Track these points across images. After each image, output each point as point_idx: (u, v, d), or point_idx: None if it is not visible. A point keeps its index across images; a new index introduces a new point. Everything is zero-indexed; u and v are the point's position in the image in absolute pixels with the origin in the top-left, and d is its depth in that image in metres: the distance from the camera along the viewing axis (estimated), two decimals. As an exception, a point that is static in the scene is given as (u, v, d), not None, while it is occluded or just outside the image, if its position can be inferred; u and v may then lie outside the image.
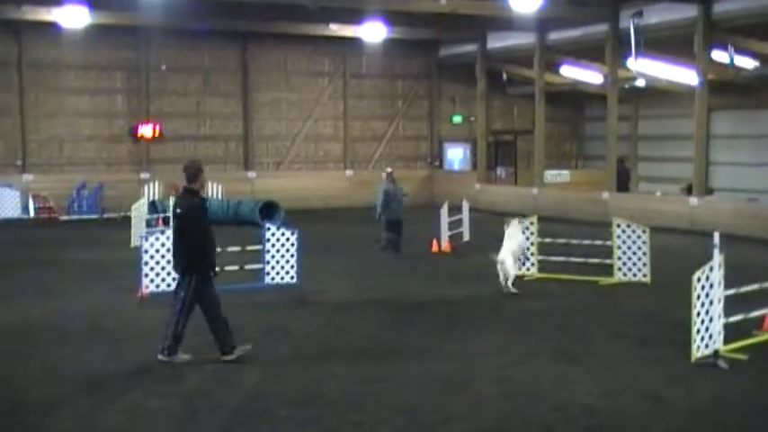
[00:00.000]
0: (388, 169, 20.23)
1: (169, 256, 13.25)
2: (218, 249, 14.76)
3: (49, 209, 26.40)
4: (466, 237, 20.47)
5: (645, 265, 14.59)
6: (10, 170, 27.14)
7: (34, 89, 27.47)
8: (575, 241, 16.10)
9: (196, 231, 9.39)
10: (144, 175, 28.00)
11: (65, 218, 25.86)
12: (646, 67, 25.21)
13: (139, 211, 20.14)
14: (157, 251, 13.28)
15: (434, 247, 18.83)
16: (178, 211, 9.52)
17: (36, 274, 15.74)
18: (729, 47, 23.06)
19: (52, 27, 25.77)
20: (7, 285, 14.46)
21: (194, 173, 9.55)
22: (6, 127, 27.27)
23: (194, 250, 9.32)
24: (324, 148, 31.75)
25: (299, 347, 10.16)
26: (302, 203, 28.47)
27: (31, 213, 26.24)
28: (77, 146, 28.15)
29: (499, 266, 13.76)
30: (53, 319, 11.71)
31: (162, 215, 22.43)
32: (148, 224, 20.96)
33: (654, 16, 23.64)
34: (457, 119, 33.64)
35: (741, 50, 23.50)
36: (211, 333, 9.43)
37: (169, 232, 13.53)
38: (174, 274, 13.15)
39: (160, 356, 9.31)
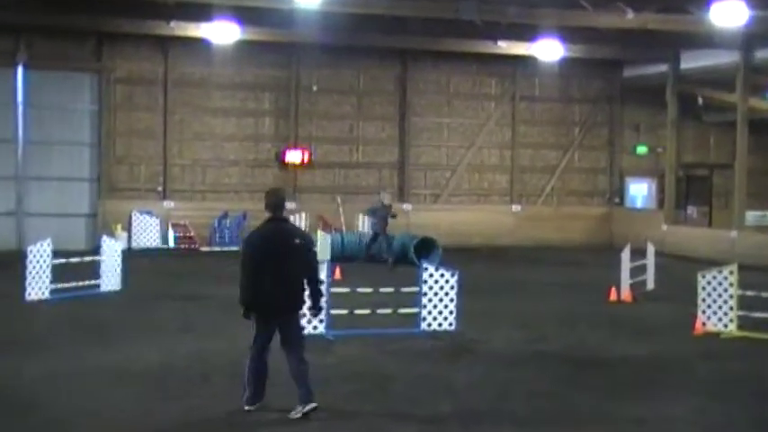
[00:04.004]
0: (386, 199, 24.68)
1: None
2: (369, 290, 15.16)
3: (189, 238, 27.58)
4: (650, 285, 19.97)
5: None
6: (151, 196, 28.55)
7: (179, 109, 28.88)
8: (783, 295, 15.45)
9: (316, 263, 9.86)
10: (290, 205, 28.78)
11: (205, 249, 26.97)
12: None
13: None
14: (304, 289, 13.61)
15: (613, 296, 18.51)
16: (297, 241, 9.55)
17: (177, 308, 16.48)
18: None
19: (200, 43, 27.12)
20: (149, 321, 15.20)
21: (282, 200, 9.77)
22: (149, 149, 28.67)
23: (318, 283, 9.82)
24: (488, 180, 31.80)
25: (459, 402, 10.19)
26: (462, 240, 28.59)
27: (171, 243, 27.50)
28: (221, 171, 29.31)
29: None
30: (195, 359, 12.21)
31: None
32: (294, 259, 21.49)
33: None
34: (641, 149, 32.99)
35: None
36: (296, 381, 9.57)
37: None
38: (321, 316, 13.60)
39: (303, 409, 9.44)
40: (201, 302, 17.15)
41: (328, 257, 20.15)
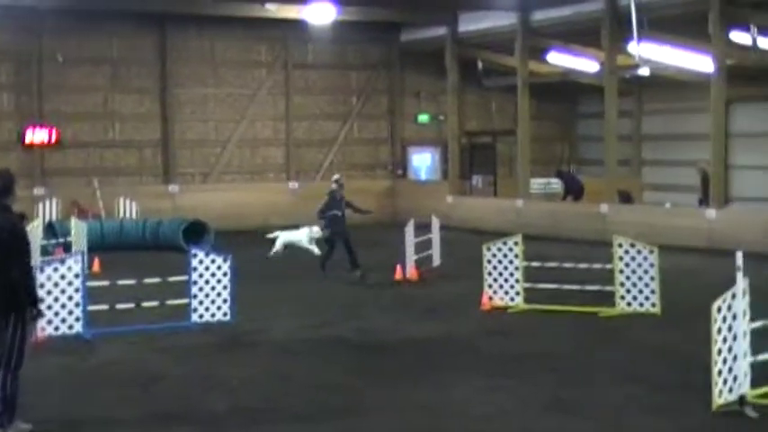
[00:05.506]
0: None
1: (71, 292, 13.19)
2: (132, 282, 14.79)
3: None
4: (436, 261, 20.55)
5: (653, 292, 14.73)
6: None
7: None
8: (568, 264, 16.25)
9: (25, 258, 9.07)
10: (38, 191, 27.73)
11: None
12: (651, 53, 25.53)
13: (33, 234, 19.91)
14: (56, 285, 13.16)
15: (398, 275, 18.88)
16: None
17: None
18: (752, 26, 23.35)
19: None
20: None
21: (9, 184, 9.12)
22: None
23: (23, 282, 8.97)
24: (262, 155, 31.74)
25: (235, 400, 10.12)
26: (237, 222, 28.40)
27: None
28: (-48, 155, 27.87)
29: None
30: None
31: (63, 240, 22.24)
32: (45, 252, 20.75)
33: (660, -9, 23.97)
34: (423, 118, 33.79)
35: (766, 30, 23.79)
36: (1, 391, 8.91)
37: (71, 263, 13.45)
38: (76, 313, 13.17)
39: None
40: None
41: (84, 248, 19.48)
